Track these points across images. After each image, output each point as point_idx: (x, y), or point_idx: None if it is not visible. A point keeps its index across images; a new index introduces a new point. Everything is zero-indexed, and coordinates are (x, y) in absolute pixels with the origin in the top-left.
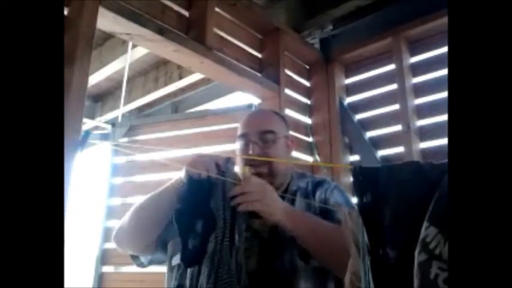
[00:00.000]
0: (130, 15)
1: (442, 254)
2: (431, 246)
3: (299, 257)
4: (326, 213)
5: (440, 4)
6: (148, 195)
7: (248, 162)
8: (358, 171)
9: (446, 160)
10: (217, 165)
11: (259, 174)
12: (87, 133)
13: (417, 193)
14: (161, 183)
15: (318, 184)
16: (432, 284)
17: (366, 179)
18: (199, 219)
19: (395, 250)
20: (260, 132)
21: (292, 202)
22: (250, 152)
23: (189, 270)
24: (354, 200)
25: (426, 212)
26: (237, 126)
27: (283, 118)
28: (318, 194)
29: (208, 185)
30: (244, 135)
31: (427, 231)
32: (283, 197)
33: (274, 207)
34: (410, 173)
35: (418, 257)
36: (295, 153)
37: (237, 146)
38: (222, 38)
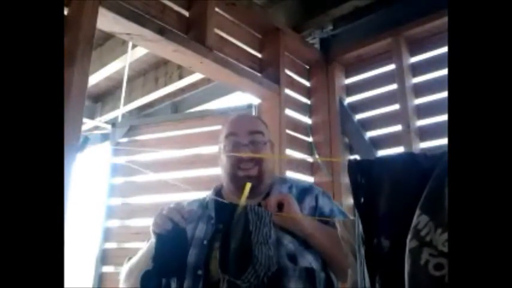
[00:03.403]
0: (130, 15)
1: (432, 241)
2: (423, 233)
3: (287, 259)
4: (321, 219)
5: (440, 4)
6: (134, 259)
7: (237, 165)
8: (353, 163)
9: (439, 152)
10: (180, 214)
11: (248, 177)
12: (86, 138)
13: (411, 183)
14: (160, 184)
15: (306, 191)
16: (422, 270)
17: (361, 170)
18: (172, 277)
19: (389, 239)
20: (250, 132)
21: None
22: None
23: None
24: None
25: (419, 202)
26: (221, 128)
27: (264, 122)
28: (307, 200)
29: (179, 235)
30: (232, 134)
31: (418, 219)
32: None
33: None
34: (404, 164)
35: (409, 243)
36: (293, 153)
37: (224, 145)
38: (222, 38)
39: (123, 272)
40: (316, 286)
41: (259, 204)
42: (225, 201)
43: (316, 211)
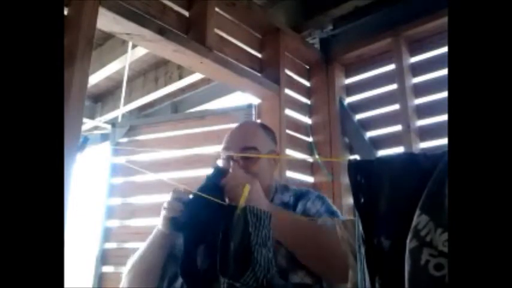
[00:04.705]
0: (130, 15)
1: (432, 241)
2: (423, 233)
3: (278, 275)
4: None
5: (440, 4)
6: (138, 254)
7: None
8: (353, 163)
9: (439, 152)
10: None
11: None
12: (86, 138)
13: (411, 183)
14: (161, 184)
15: (300, 196)
16: (423, 270)
17: (361, 170)
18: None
19: (389, 239)
20: (242, 149)
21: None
22: (231, 170)
23: None
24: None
25: (419, 201)
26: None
27: (270, 131)
28: (299, 206)
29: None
30: (226, 149)
31: (418, 219)
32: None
33: (258, 203)
34: (404, 164)
35: (409, 244)
36: (293, 153)
37: (220, 159)
38: (222, 38)
39: (128, 265)
40: None
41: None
42: (224, 203)
43: (303, 214)
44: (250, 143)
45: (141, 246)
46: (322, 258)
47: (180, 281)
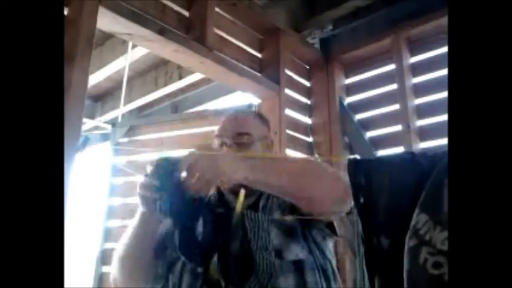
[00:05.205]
0: (130, 15)
1: (431, 240)
2: (422, 232)
3: (274, 254)
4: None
5: (440, 4)
6: (125, 240)
7: None
8: (353, 163)
9: (439, 152)
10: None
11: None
12: (86, 138)
13: (410, 182)
14: None
15: None
16: (421, 268)
17: (361, 170)
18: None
19: (389, 239)
20: (236, 134)
21: (265, 206)
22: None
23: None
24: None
25: (418, 201)
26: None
27: (264, 119)
28: None
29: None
30: (219, 136)
31: (418, 217)
32: (257, 205)
33: (232, 169)
34: (404, 164)
35: (408, 242)
36: (293, 153)
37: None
38: (222, 38)
39: (116, 257)
40: (305, 277)
41: (255, 204)
42: (221, 210)
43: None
44: (243, 129)
45: (125, 236)
46: (315, 190)
47: (179, 264)
